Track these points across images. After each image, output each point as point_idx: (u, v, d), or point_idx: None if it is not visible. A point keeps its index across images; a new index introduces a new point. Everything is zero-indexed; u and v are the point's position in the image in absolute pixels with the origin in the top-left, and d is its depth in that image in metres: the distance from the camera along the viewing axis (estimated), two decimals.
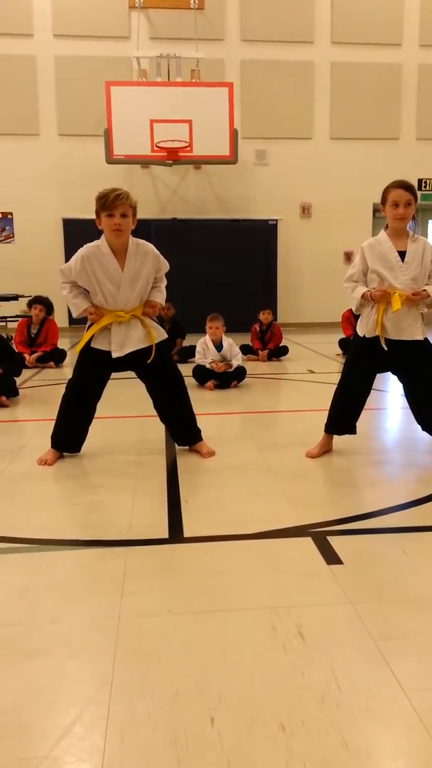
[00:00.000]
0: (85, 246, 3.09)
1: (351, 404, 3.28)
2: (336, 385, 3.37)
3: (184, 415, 3.40)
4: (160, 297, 3.25)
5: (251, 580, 1.98)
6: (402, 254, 3.02)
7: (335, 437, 3.39)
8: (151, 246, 3.16)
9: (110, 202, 2.94)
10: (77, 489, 2.91)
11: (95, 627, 1.72)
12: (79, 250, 3.08)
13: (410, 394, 3.25)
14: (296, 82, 11.67)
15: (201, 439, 3.43)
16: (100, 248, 3.05)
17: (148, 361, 3.16)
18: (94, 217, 3.05)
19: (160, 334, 3.25)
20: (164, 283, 3.29)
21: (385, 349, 3.06)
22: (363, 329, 3.14)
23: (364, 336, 3.12)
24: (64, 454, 3.35)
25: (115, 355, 3.13)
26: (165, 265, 3.24)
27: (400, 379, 3.28)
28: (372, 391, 3.29)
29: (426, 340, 3.10)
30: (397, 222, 3.00)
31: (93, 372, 3.23)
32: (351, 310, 3.25)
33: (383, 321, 3.04)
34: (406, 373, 3.20)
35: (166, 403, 3.39)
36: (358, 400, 3.28)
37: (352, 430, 3.34)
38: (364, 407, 3.32)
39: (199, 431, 3.43)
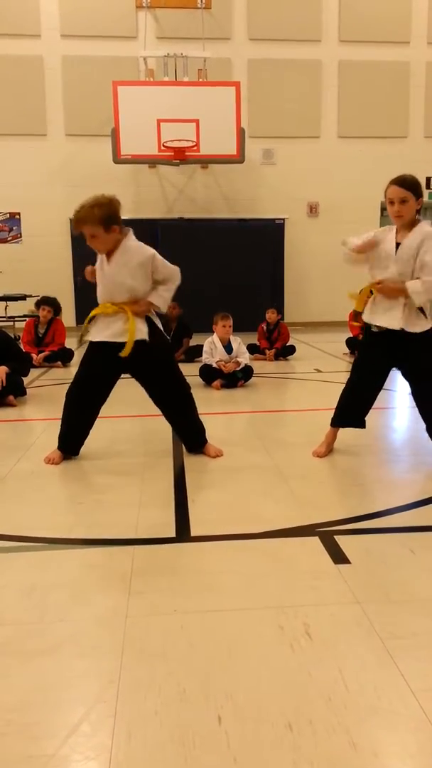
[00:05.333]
0: None
1: (360, 397, 3.27)
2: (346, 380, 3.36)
3: (187, 422, 3.36)
4: (155, 299, 3.17)
5: (258, 579, 1.98)
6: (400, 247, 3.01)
7: (344, 435, 3.37)
8: (144, 250, 3.12)
9: (74, 227, 3.09)
10: (84, 488, 2.92)
11: (102, 626, 1.72)
12: None
13: (416, 393, 3.23)
14: (304, 81, 11.64)
15: (206, 442, 3.38)
16: None
17: (120, 354, 3.07)
18: None
19: (142, 333, 3.14)
20: (166, 288, 3.20)
21: (375, 330, 3.11)
22: (367, 315, 3.17)
23: (372, 331, 3.12)
24: None
25: (90, 338, 3.20)
26: (165, 270, 3.17)
27: (405, 377, 3.26)
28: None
29: None
30: (395, 219, 3.00)
31: (93, 366, 3.21)
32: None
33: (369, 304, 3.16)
34: (411, 371, 3.18)
35: (168, 409, 3.35)
36: (367, 394, 3.26)
37: (361, 424, 3.31)
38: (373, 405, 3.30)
39: (202, 435, 3.37)
